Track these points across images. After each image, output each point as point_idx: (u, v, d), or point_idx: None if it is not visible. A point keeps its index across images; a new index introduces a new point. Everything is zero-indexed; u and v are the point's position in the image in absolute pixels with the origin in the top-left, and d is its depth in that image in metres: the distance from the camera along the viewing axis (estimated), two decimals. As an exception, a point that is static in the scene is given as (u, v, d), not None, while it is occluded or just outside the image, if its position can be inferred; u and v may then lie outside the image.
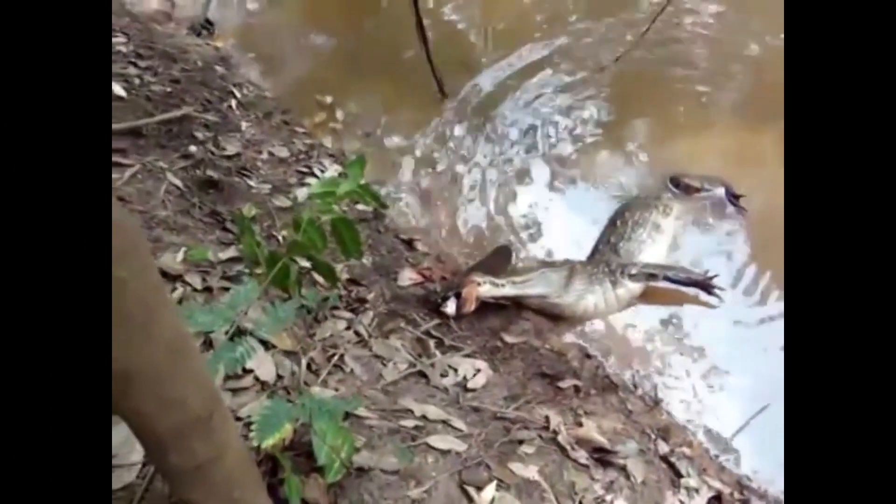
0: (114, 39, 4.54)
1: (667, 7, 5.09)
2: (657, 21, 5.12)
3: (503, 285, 3.41)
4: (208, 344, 2.44)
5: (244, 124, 4.42)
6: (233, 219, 3.40)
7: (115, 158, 3.46)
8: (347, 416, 2.34)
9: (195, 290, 2.82)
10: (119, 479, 1.96)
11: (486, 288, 3.36)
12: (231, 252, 3.10)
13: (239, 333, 2.15)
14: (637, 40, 5.25)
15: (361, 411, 2.47)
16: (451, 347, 3.14)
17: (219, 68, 4.99)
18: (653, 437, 2.97)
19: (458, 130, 4.96)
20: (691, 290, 3.81)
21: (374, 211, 3.93)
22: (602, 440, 2.76)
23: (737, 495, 2.85)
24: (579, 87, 5.32)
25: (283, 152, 4.30)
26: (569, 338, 3.64)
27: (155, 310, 1.23)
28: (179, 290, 2.79)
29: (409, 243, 3.90)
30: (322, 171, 4.23)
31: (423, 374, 2.90)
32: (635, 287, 3.76)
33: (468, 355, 3.11)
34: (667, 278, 3.77)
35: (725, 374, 3.47)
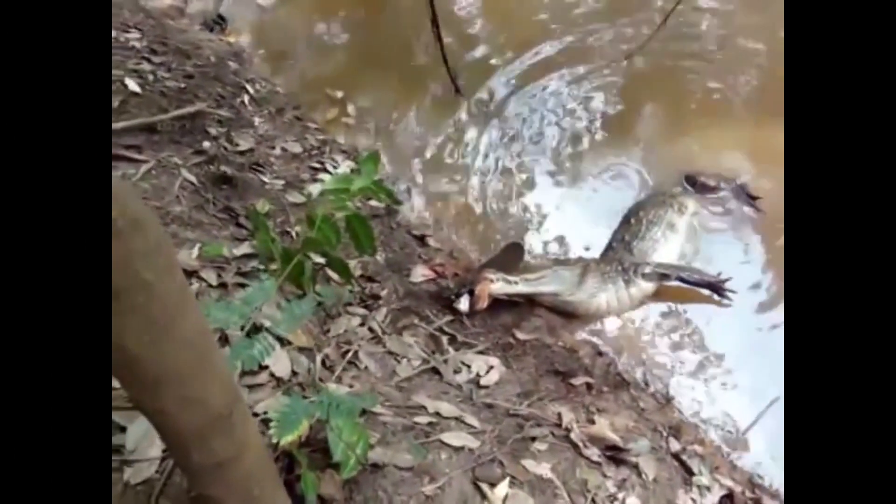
0: (128, 35, 4.56)
1: (679, 4, 5.06)
2: (670, 18, 5.09)
3: (516, 283, 3.42)
4: (224, 340, 2.46)
5: (257, 120, 4.44)
6: (247, 214, 3.41)
7: (130, 154, 3.48)
8: (363, 412, 2.35)
9: (210, 286, 2.84)
10: (138, 474, 1.99)
11: (499, 285, 3.37)
12: (245, 248, 3.11)
13: (255, 330, 2.17)
14: (650, 37, 5.22)
15: (376, 408, 2.48)
16: (463, 344, 3.15)
17: (231, 64, 5.00)
18: (665, 434, 2.98)
19: (471, 126, 4.97)
20: (704, 290, 3.80)
21: (387, 207, 3.95)
22: (614, 438, 2.77)
23: (748, 493, 2.86)
24: (592, 85, 5.30)
25: (295, 148, 4.32)
26: (581, 335, 3.64)
27: (180, 310, 1.24)
28: (195, 286, 2.80)
29: (422, 239, 3.92)
30: (335, 167, 4.24)
31: (436, 371, 2.91)
32: (648, 286, 3.76)
33: (481, 352, 3.13)
34: (680, 278, 3.76)
35: (737, 371, 3.47)
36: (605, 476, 2.61)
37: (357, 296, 3.17)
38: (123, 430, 2.06)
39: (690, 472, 2.81)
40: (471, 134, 4.93)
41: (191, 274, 2.85)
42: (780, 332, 3.62)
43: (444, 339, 3.13)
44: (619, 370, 3.36)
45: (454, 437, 2.50)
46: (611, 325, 3.75)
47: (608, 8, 5.88)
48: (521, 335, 3.36)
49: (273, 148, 4.24)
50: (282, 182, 3.88)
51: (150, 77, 4.22)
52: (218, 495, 1.56)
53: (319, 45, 5.75)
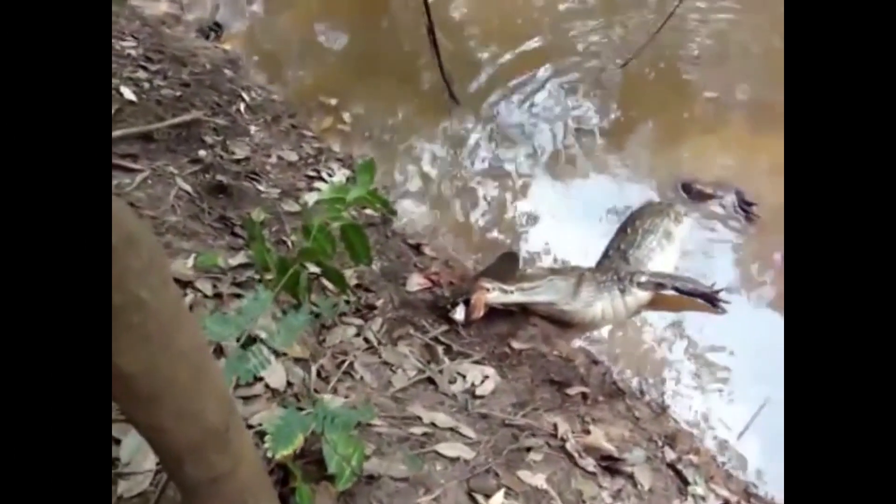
0: (124, 43, 4.56)
1: (677, 9, 5.09)
2: (667, 24, 5.11)
3: (512, 292, 3.42)
4: (219, 351, 2.46)
5: (253, 128, 4.44)
6: (242, 224, 3.41)
7: (126, 163, 3.48)
8: (358, 424, 2.35)
9: (206, 296, 2.83)
10: (132, 487, 1.98)
11: (495, 294, 3.37)
12: (241, 258, 3.11)
13: (250, 342, 2.17)
14: (645, 43, 5.24)
15: (371, 419, 2.48)
16: (459, 354, 3.15)
17: (227, 71, 5.00)
18: (660, 444, 2.98)
19: (466, 134, 4.97)
20: (698, 300, 3.81)
21: (382, 216, 3.94)
22: (610, 448, 2.77)
23: (744, 503, 2.86)
24: (588, 91, 5.32)
25: (291, 156, 4.32)
26: (576, 344, 3.65)
27: (175, 325, 1.24)
28: (190, 297, 2.80)
29: (417, 248, 3.92)
30: (330, 176, 4.24)
31: (431, 381, 2.91)
32: (643, 295, 3.76)
33: (476, 362, 3.13)
34: (675, 288, 3.77)
35: (733, 380, 3.47)
36: (600, 486, 2.61)
37: (352, 306, 3.17)
38: (118, 442, 2.05)
39: (686, 482, 2.81)
40: (466, 141, 4.93)
41: (186, 284, 2.84)
42: (776, 339, 3.61)
43: (440, 348, 3.13)
44: (615, 379, 3.36)
45: (449, 448, 2.50)
46: (606, 334, 3.76)
47: (604, 13, 5.91)
48: (516, 345, 3.36)
49: (269, 156, 4.23)
50: (278, 191, 3.88)
51: (146, 85, 4.22)
52: (213, 509, 1.56)
53: (315, 53, 5.76)
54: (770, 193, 4.29)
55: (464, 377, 2.98)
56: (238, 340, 2.16)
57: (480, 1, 6.21)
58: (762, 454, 3.18)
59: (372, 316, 3.15)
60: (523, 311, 3.63)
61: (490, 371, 3.05)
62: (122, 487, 1.98)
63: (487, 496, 2.36)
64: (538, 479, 2.51)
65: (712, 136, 4.93)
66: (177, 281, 2.81)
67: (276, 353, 2.54)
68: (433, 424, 2.60)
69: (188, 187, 3.52)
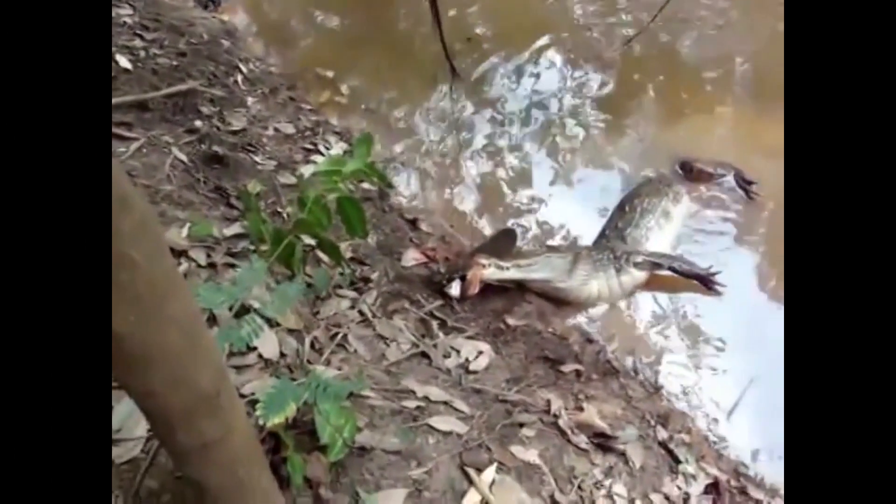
0: (120, 11, 4.51)
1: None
2: (669, 4, 5.07)
3: (508, 268, 3.41)
4: (212, 320, 2.45)
5: (250, 100, 4.40)
6: (238, 195, 3.39)
7: (120, 132, 3.45)
8: (350, 395, 2.34)
9: (199, 266, 2.82)
10: (123, 454, 1.98)
11: (490, 271, 3.36)
12: (236, 228, 3.09)
13: (244, 311, 2.16)
14: (647, 25, 5.21)
15: (364, 391, 2.48)
16: (453, 329, 3.15)
17: (225, 42, 4.96)
18: (652, 423, 2.98)
19: (465, 110, 4.95)
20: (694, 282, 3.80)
21: (379, 190, 3.93)
22: (602, 425, 2.78)
23: (734, 482, 2.87)
24: (587, 70, 5.29)
25: (288, 129, 4.28)
26: (571, 322, 3.64)
27: (168, 290, 1.22)
28: (184, 266, 2.78)
29: (414, 223, 3.90)
30: (328, 149, 4.22)
31: (425, 355, 2.91)
32: (639, 275, 3.75)
33: (471, 337, 3.12)
34: (671, 268, 3.76)
35: (727, 360, 3.47)
36: (592, 463, 2.62)
37: (347, 278, 3.15)
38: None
39: (677, 461, 2.82)
40: (466, 117, 4.91)
41: (180, 254, 2.83)
42: (771, 320, 3.64)
43: (435, 323, 3.12)
44: (609, 358, 3.36)
45: (442, 422, 2.50)
46: (601, 312, 3.75)
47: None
48: (511, 321, 3.35)
49: (266, 128, 4.20)
50: (274, 163, 3.85)
51: (142, 54, 4.18)
52: (203, 476, 1.55)
53: (314, 25, 5.71)
54: (769, 174, 4.28)
55: (458, 352, 2.98)
56: (231, 310, 2.15)
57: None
58: (753, 433, 3.19)
59: (367, 289, 3.14)
60: (519, 288, 3.62)
61: (484, 346, 3.05)
62: (114, 454, 1.97)
63: (479, 470, 2.36)
64: (530, 455, 2.51)
65: (712, 117, 4.92)
66: (171, 250, 2.77)
67: (270, 323, 2.53)
68: (426, 398, 2.60)
69: (184, 157, 3.49)
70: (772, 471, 3.05)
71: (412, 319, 3.10)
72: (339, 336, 2.79)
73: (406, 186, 4.36)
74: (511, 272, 3.44)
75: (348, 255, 3.29)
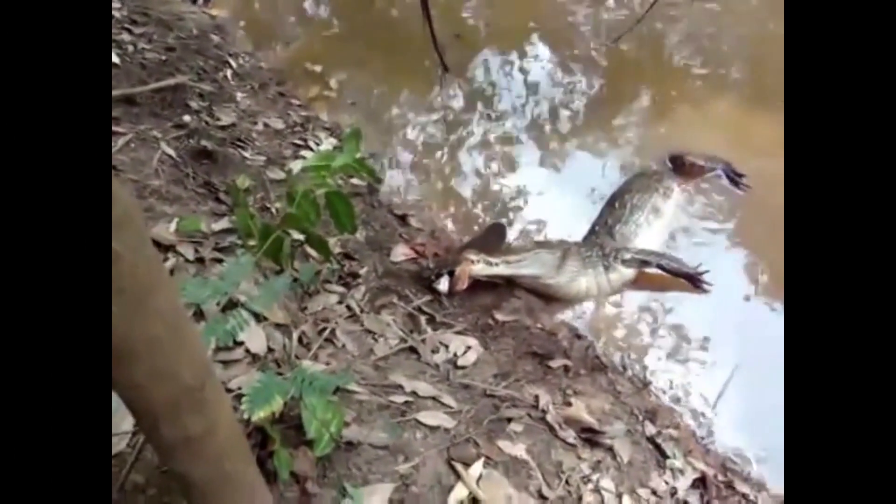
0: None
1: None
2: (660, 2, 5.08)
3: (497, 264, 3.41)
4: (200, 315, 2.44)
5: (239, 95, 4.39)
6: (226, 190, 3.38)
7: (109, 126, 3.44)
8: (337, 390, 2.34)
9: (187, 260, 2.81)
10: (109, 448, 1.97)
11: (479, 266, 3.36)
12: (224, 223, 3.09)
13: (231, 305, 2.15)
14: (638, 20, 5.21)
15: (351, 386, 2.47)
16: (442, 324, 3.15)
17: (214, 37, 4.94)
18: (640, 418, 2.99)
19: (455, 105, 4.95)
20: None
21: (369, 185, 3.92)
22: (590, 420, 2.78)
23: (721, 477, 2.88)
24: (578, 65, 5.30)
25: (278, 124, 4.28)
26: (560, 317, 3.65)
27: (151, 283, 1.22)
28: (171, 261, 2.77)
29: (403, 218, 3.90)
30: (317, 144, 4.21)
31: (413, 350, 2.91)
32: (628, 272, 3.76)
33: (459, 332, 3.12)
34: (659, 266, 3.76)
35: (715, 356, 3.48)
36: (579, 458, 2.62)
37: (336, 273, 3.15)
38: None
39: (665, 456, 2.83)
40: (456, 112, 4.91)
41: (168, 248, 2.82)
42: (759, 317, 3.66)
43: (423, 318, 3.12)
44: (598, 353, 3.36)
45: (430, 417, 2.50)
46: (590, 308, 3.76)
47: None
48: (500, 316, 3.35)
49: (255, 123, 4.20)
50: (263, 158, 3.84)
51: (130, 48, 4.17)
52: (189, 470, 1.54)
53: (304, 20, 5.70)
54: (759, 170, 4.29)
55: (446, 347, 2.98)
56: (219, 304, 2.15)
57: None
58: (740, 429, 3.20)
59: (355, 284, 3.14)
60: (508, 284, 3.63)
61: (473, 342, 3.05)
62: (100, 448, 1.96)
63: (467, 465, 2.36)
64: (518, 450, 2.52)
65: (701, 113, 4.93)
66: (158, 245, 2.79)
67: (258, 318, 2.53)
68: (414, 393, 2.60)
69: (172, 152, 3.48)
70: (758, 465, 3.06)
71: (400, 314, 3.10)
72: (327, 331, 2.79)
73: (396, 182, 4.35)
74: (500, 268, 3.44)
75: (337, 250, 3.28)
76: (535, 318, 3.48)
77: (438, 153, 4.61)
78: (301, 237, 2.84)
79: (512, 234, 4.04)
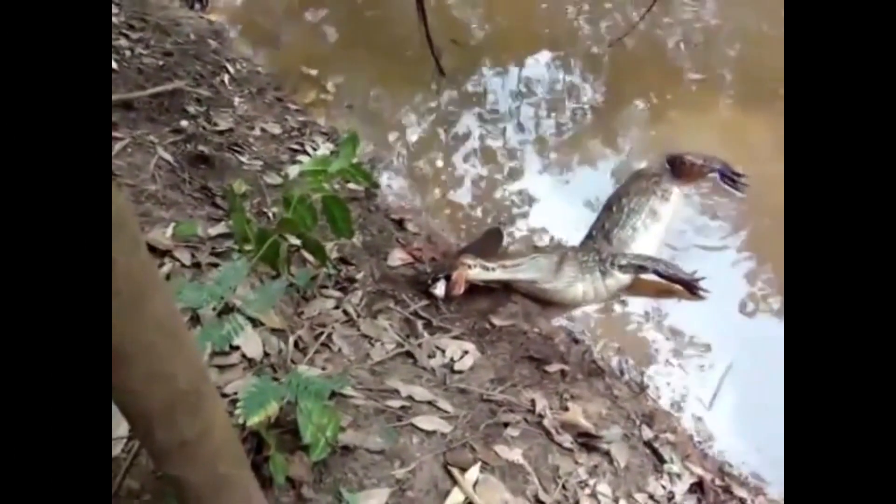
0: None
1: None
2: (656, 7, 5.09)
3: (494, 269, 3.41)
4: (196, 320, 2.44)
5: (237, 100, 4.39)
6: (223, 195, 3.38)
7: (105, 131, 3.43)
8: (333, 394, 2.34)
9: (184, 265, 2.81)
10: (104, 453, 1.96)
11: (476, 271, 3.35)
12: (221, 228, 3.09)
13: (227, 310, 2.15)
14: (635, 24, 5.23)
15: (348, 390, 2.47)
16: (438, 328, 3.14)
17: (212, 42, 4.95)
18: (637, 422, 2.99)
19: (452, 109, 4.95)
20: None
21: (366, 190, 3.92)
22: (587, 425, 2.78)
23: (718, 481, 2.87)
24: (576, 71, 5.31)
25: (275, 129, 4.28)
26: (557, 322, 3.64)
27: (145, 287, 1.22)
28: (168, 266, 2.78)
29: (400, 223, 3.89)
30: (314, 149, 4.21)
31: (410, 355, 2.90)
32: (624, 278, 3.74)
33: (456, 337, 3.12)
34: (656, 272, 3.74)
35: (713, 361, 3.48)
36: (576, 463, 2.62)
37: (332, 278, 3.15)
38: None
39: (662, 460, 2.82)
40: (452, 117, 4.91)
41: (164, 253, 2.82)
42: (757, 321, 3.66)
43: (419, 323, 3.12)
44: (595, 358, 3.36)
45: (426, 422, 2.50)
46: (587, 312, 3.76)
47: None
48: (496, 321, 3.35)
49: (252, 128, 4.20)
50: (260, 163, 3.85)
51: (128, 53, 4.17)
52: (183, 475, 1.54)
53: (301, 24, 5.71)
54: (756, 174, 4.29)
55: (443, 352, 2.98)
56: (214, 309, 2.15)
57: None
58: (738, 433, 3.20)
59: (352, 289, 3.14)
60: (505, 288, 3.62)
61: (469, 346, 3.04)
62: (95, 453, 1.96)
63: (463, 470, 2.36)
64: (515, 454, 2.51)
65: (699, 116, 4.93)
66: (155, 250, 2.79)
67: (254, 323, 2.53)
68: (411, 398, 2.60)
69: (169, 157, 3.49)
70: (755, 469, 3.06)
71: (397, 319, 3.10)
72: (324, 336, 2.78)
73: (392, 186, 4.35)
74: (497, 273, 3.43)
75: (334, 255, 3.28)
76: (532, 322, 3.48)
77: (435, 158, 4.62)
78: (298, 242, 2.84)
79: (509, 239, 4.04)
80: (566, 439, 2.70)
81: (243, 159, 3.81)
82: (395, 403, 2.53)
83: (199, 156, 3.60)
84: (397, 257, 3.52)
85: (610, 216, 4.04)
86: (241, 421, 1.85)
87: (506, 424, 2.65)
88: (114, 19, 4.44)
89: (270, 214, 3.38)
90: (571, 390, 3.03)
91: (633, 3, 5.70)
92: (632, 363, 3.47)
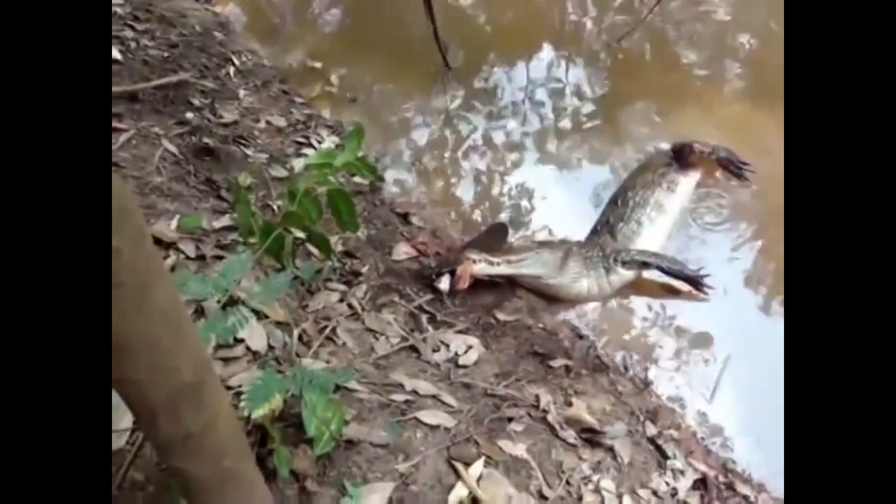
0: (112, 1, 4.49)
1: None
2: (662, 4, 5.08)
3: (498, 264, 3.40)
4: (200, 312, 2.44)
5: (242, 92, 4.38)
6: (228, 187, 3.38)
7: (110, 122, 3.43)
8: (338, 388, 2.33)
9: (188, 258, 2.81)
10: (108, 445, 1.96)
11: (481, 266, 3.34)
12: (225, 221, 3.08)
13: (232, 303, 2.15)
14: (641, 20, 5.22)
15: (352, 384, 2.47)
16: (443, 323, 3.14)
17: (217, 34, 4.93)
18: (641, 418, 2.98)
19: (458, 104, 4.94)
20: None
21: (371, 183, 3.91)
22: (591, 420, 2.77)
23: (721, 478, 2.87)
24: (581, 64, 5.29)
25: (280, 122, 4.27)
26: (561, 317, 3.63)
27: (149, 279, 1.21)
28: (172, 258, 2.77)
29: (405, 217, 3.89)
30: (320, 142, 4.20)
31: (414, 349, 2.90)
32: (628, 274, 3.72)
33: (460, 331, 3.11)
34: (659, 268, 3.70)
35: (717, 357, 3.47)
36: (580, 458, 2.62)
37: (337, 272, 3.15)
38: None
39: (665, 456, 2.82)
40: (458, 111, 4.90)
41: (169, 245, 2.82)
42: (762, 317, 3.65)
43: (424, 317, 3.11)
44: (599, 353, 3.35)
45: (430, 416, 2.49)
46: (592, 308, 3.75)
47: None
48: (501, 316, 3.35)
49: (257, 121, 4.19)
50: (265, 156, 3.84)
51: (133, 44, 4.16)
52: (187, 467, 1.54)
53: (307, 17, 5.69)
54: (761, 167, 4.27)
55: (447, 346, 2.97)
56: (219, 302, 2.14)
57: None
58: (742, 430, 3.20)
59: (356, 282, 3.13)
60: (509, 283, 3.62)
61: (474, 341, 3.04)
62: (99, 445, 1.96)
63: (467, 464, 2.36)
64: (518, 449, 2.51)
65: (704, 112, 4.90)
66: (159, 242, 2.79)
67: (258, 316, 2.52)
68: (415, 392, 2.59)
69: (174, 149, 3.48)
70: (758, 466, 3.06)
71: (401, 313, 3.09)
72: (328, 329, 2.78)
73: (398, 180, 4.34)
74: (501, 267, 3.42)
75: (338, 248, 3.27)
76: (537, 317, 3.47)
77: (441, 152, 4.60)
78: (303, 235, 2.83)
79: (513, 234, 4.02)
80: (570, 435, 2.69)
81: (248, 152, 3.80)
82: (400, 397, 2.53)
83: (204, 148, 3.59)
84: (402, 251, 3.51)
85: (615, 210, 4.01)
86: (245, 414, 1.85)
87: (510, 419, 2.65)
88: (119, 10, 4.43)
89: (275, 207, 3.37)
90: (575, 386, 3.03)
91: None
92: (636, 359, 3.46)
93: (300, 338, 2.66)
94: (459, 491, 2.26)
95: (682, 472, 2.77)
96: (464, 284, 3.29)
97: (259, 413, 1.83)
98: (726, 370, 3.39)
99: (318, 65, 5.08)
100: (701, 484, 2.77)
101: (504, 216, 4.16)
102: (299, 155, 3.99)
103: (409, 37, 5.29)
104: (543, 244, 3.71)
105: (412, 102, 4.93)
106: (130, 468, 1.95)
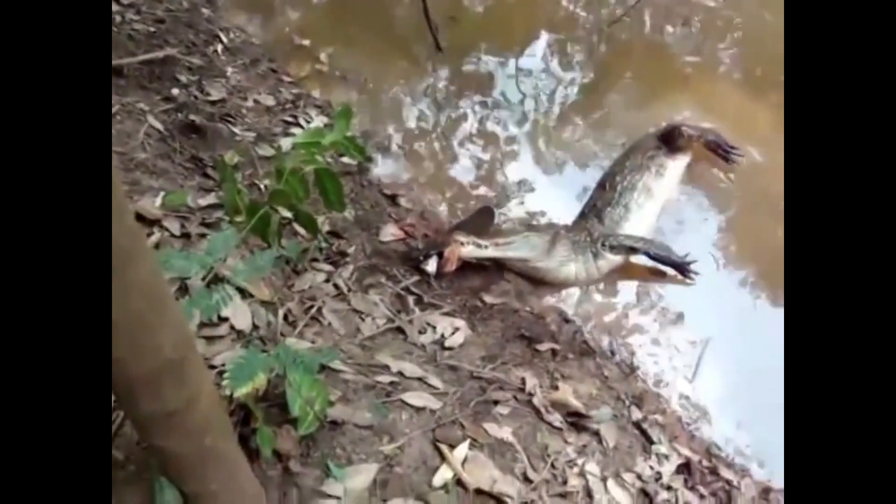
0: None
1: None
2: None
3: (486, 247, 3.38)
4: (184, 290, 2.41)
5: (230, 70, 4.33)
6: (214, 165, 3.34)
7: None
8: (323, 368, 2.32)
9: (173, 235, 2.77)
10: (88, 423, 1.94)
11: (468, 249, 3.33)
12: (211, 199, 3.05)
13: (216, 280, 2.12)
14: (633, 5, 5.19)
15: (337, 365, 2.45)
16: (430, 305, 3.12)
17: (205, 10, 4.87)
18: (627, 403, 2.99)
19: (448, 86, 4.90)
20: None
21: (359, 164, 3.88)
22: (577, 404, 2.77)
23: (705, 462, 2.88)
24: (574, 49, 5.27)
25: (269, 101, 4.22)
26: (548, 301, 3.63)
27: (131, 254, 1.19)
28: (157, 235, 2.74)
29: (393, 198, 3.86)
30: (308, 122, 4.16)
31: (401, 331, 2.88)
32: (615, 259, 3.72)
33: (447, 313, 3.10)
34: (646, 253, 3.71)
35: (703, 342, 3.48)
36: (565, 442, 2.62)
37: (323, 252, 3.12)
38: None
39: (650, 441, 2.83)
40: (449, 93, 4.86)
41: (153, 223, 2.78)
42: (752, 304, 3.67)
43: (411, 299, 3.10)
44: (586, 338, 3.35)
45: (416, 398, 2.48)
46: (579, 292, 3.74)
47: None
48: (488, 299, 3.33)
49: (245, 99, 4.14)
50: (253, 134, 3.79)
51: (118, 19, 4.10)
52: (168, 445, 1.52)
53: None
54: (754, 156, 4.28)
55: (434, 328, 2.96)
56: (203, 279, 2.11)
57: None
58: (726, 414, 3.21)
59: (343, 263, 3.11)
60: (497, 266, 3.60)
61: (461, 323, 3.02)
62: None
63: (452, 446, 2.35)
64: (504, 432, 2.50)
65: (696, 101, 4.89)
66: (144, 219, 2.75)
67: (243, 295, 2.50)
68: (400, 374, 2.58)
69: (159, 125, 3.43)
70: (742, 450, 3.08)
71: (388, 294, 3.07)
72: (314, 309, 2.76)
73: (386, 161, 4.31)
74: (489, 250, 3.41)
75: (325, 228, 3.24)
76: (524, 301, 3.46)
77: (430, 134, 4.57)
78: (289, 214, 2.80)
79: (501, 217, 4.00)
80: (556, 418, 2.69)
81: (235, 130, 3.76)
82: (385, 379, 2.51)
83: (191, 125, 3.54)
84: (389, 232, 3.49)
85: (602, 195, 4.00)
86: (228, 392, 1.82)
87: (495, 402, 2.64)
88: (105, -16, 4.35)
89: (262, 186, 3.34)
90: (562, 370, 3.03)
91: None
92: (622, 344, 3.46)
93: (285, 317, 2.63)
94: (444, 473, 2.25)
95: (666, 457, 2.78)
96: (451, 267, 3.27)
97: (242, 392, 1.81)
98: (706, 352, 3.41)
99: (306, 42, 5.02)
100: (685, 468, 2.78)
101: (492, 199, 4.14)
102: (287, 134, 3.95)
103: (401, 17, 5.25)
104: (532, 228, 3.70)
105: (402, 84, 4.89)
106: (111, 448, 1.93)
